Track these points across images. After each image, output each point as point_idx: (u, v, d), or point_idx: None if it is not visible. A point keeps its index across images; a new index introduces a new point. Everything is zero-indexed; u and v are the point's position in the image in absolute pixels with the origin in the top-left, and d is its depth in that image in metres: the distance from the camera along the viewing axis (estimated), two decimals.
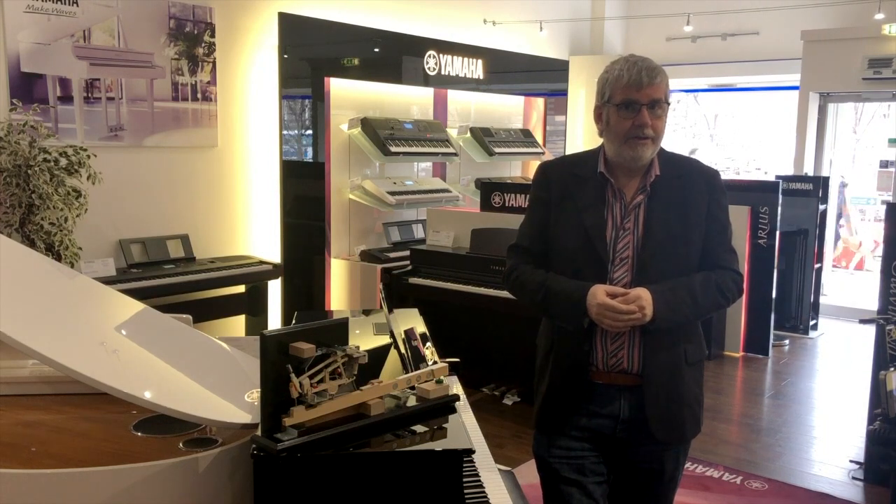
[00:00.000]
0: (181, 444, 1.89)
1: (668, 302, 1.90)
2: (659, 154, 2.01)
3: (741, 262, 5.82)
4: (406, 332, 2.36)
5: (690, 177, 2.02)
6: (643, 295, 1.88)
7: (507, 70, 7.33)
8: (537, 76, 7.87)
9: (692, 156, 2.20)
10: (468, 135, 6.72)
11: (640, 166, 1.98)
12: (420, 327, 2.49)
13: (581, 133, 8.22)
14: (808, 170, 7.42)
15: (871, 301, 5.39)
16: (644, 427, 1.98)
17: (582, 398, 2.02)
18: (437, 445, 1.72)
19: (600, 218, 1.98)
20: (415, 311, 2.76)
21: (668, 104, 1.97)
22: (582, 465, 2.03)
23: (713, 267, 2.01)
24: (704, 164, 2.08)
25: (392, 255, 5.54)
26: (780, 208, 6.02)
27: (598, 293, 1.89)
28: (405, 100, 6.36)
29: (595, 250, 1.96)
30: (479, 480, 1.87)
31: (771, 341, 6.12)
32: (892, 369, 3.64)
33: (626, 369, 1.98)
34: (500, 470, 2.04)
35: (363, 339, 2.40)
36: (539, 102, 7.77)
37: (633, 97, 1.92)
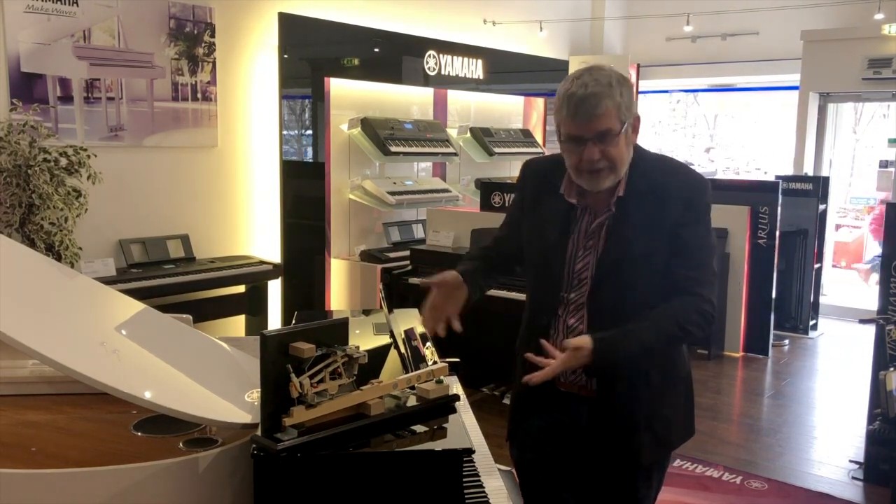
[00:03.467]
0: (181, 444, 1.89)
1: (611, 348, 1.77)
2: (633, 166, 1.86)
3: (741, 262, 5.90)
4: (406, 332, 2.36)
5: (665, 191, 1.84)
6: (576, 350, 1.75)
7: (507, 70, 7.33)
8: (537, 76, 7.87)
9: (700, 157, 2.10)
10: (468, 135, 6.72)
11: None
12: (420, 327, 2.49)
13: None
14: (808, 170, 7.42)
15: (871, 301, 5.39)
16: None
17: (546, 404, 1.99)
18: (437, 445, 1.72)
19: (563, 233, 1.91)
20: (415, 311, 2.75)
21: (627, 122, 1.79)
22: (554, 470, 2.01)
23: (677, 288, 1.83)
24: (691, 176, 1.90)
25: (392, 255, 5.54)
26: (780, 208, 6.02)
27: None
28: (405, 100, 6.36)
29: (550, 266, 1.91)
30: (479, 480, 1.87)
31: (771, 341, 6.11)
32: (892, 369, 3.64)
33: (585, 385, 1.94)
34: (500, 470, 2.04)
35: (363, 339, 2.41)
36: (539, 102, 7.77)
37: (575, 133, 1.77)
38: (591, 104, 1.74)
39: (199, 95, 5.07)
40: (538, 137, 7.56)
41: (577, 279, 1.91)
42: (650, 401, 1.92)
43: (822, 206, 6.76)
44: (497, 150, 6.74)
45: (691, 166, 2.02)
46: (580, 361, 1.77)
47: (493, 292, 4.46)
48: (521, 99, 7.63)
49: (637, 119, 1.85)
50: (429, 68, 6.40)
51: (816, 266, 6.77)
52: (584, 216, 1.91)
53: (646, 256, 1.84)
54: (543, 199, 1.96)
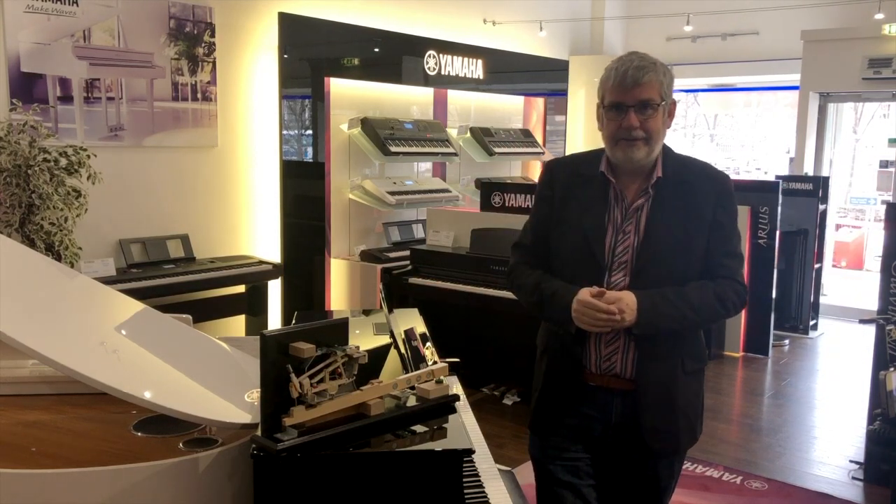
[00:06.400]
0: (181, 444, 1.89)
1: (656, 307, 1.86)
2: (665, 155, 1.97)
3: None
4: (406, 332, 2.36)
5: (697, 181, 1.96)
6: (625, 297, 1.84)
7: (507, 70, 7.33)
8: (537, 76, 7.86)
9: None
10: (468, 135, 6.72)
11: (639, 167, 1.94)
12: (420, 327, 2.49)
13: (581, 133, 8.22)
14: (808, 170, 7.42)
15: (871, 301, 5.39)
16: (636, 434, 1.95)
17: (574, 400, 2.00)
18: (437, 445, 1.72)
19: (600, 220, 1.95)
20: (415, 311, 2.76)
21: (666, 102, 1.90)
22: (576, 466, 2.01)
23: (714, 275, 1.95)
24: (714, 169, 2.03)
25: (392, 255, 5.54)
26: (780, 208, 6.02)
27: (583, 293, 1.86)
28: (405, 100, 6.36)
29: (592, 253, 1.94)
30: (479, 480, 1.87)
31: (771, 341, 6.11)
32: (892, 369, 3.64)
33: (619, 374, 1.95)
34: (500, 470, 2.04)
35: (363, 339, 2.40)
36: (539, 102, 7.77)
37: (619, 99, 1.88)
38: (637, 74, 1.86)
39: (199, 95, 5.07)
40: (538, 137, 7.56)
41: (618, 263, 1.94)
42: (685, 387, 1.97)
43: (822, 206, 6.76)
44: (497, 150, 6.74)
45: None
46: (624, 316, 1.83)
47: (493, 293, 4.50)
48: (521, 99, 7.63)
49: (674, 105, 1.96)
50: (429, 68, 6.40)
51: (816, 266, 6.77)
52: (617, 202, 1.97)
53: (685, 242, 1.93)
54: (576, 190, 2.01)
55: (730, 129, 10.46)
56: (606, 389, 1.97)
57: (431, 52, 6.40)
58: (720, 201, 1.97)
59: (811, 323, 6.77)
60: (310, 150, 5.85)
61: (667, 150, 1.99)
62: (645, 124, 1.88)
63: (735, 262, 1.98)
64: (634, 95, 1.86)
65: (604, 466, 2.04)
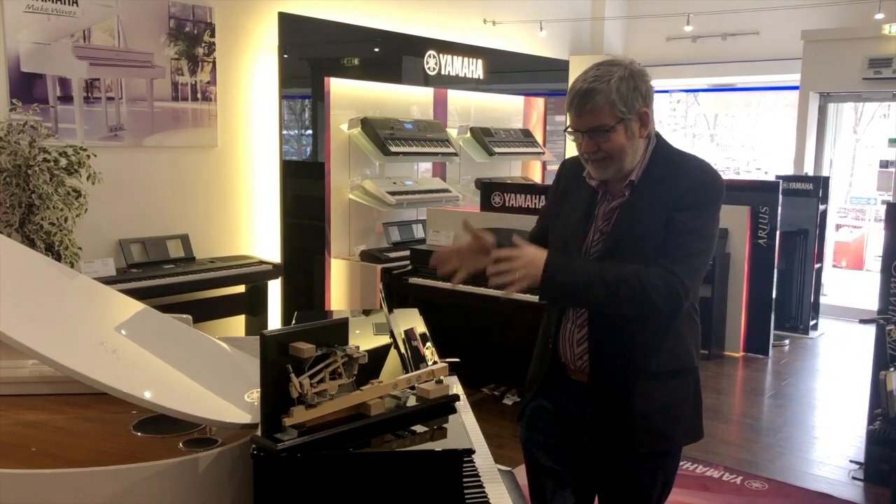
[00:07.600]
0: (181, 444, 1.89)
1: (564, 268, 1.83)
2: (656, 154, 1.94)
3: (741, 262, 5.89)
4: (406, 332, 2.36)
5: (675, 178, 1.89)
6: (528, 253, 1.82)
7: (507, 70, 7.33)
8: (537, 76, 7.87)
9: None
10: (468, 135, 6.73)
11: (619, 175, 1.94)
12: (420, 327, 2.49)
13: None
14: (808, 170, 7.42)
15: (871, 301, 5.39)
16: (605, 433, 1.97)
17: (557, 390, 2.05)
18: (437, 445, 1.72)
19: (584, 219, 1.99)
20: (415, 311, 2.75)
21: (626, 118, 1.84)
22: (559, 453, 2.05)
23: (652, 264, 1.84)
24: (704, 170, 1.92)
25: (392, 255, 5.55)
26: (780, 208, 6.02)
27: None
28: (405, 100, 6.36)
29: (568, 249, 1.98)
30: (479, 480, 1.87)
31: (771, 341, 6.11)
32: (892, 369, 3.64)
33: (589, 372, 1.98)
34: (500, 470, 2.04)
35: (363, 339, 2.40)
36: (539, 102, 7.77)
37: (572, 125, 1.89)
38: (582, 101, 1.84)
39: (199, 95, 5.07)
40: (538, 137, 7.56)
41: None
42: (649, 389, 1.93)
43: (822, 206, 6.75)
44: (497, 150, 6.74)
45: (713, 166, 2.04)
46: (531, 271, 1.81)
47: (493, 293, 4.49)
48: (521, 99, 7.63)
49: (644, 114, 1.89)
50: (429, 68, 6.40)
51: (817, 266, 6.77)
52: (603, 202, 1.99)
53: (645, 236, 1.88)
54: (572, 190, 2.05)
55: (730, 129, 10.46)
56: (584, 385, 2.00)
57: (431, 52, 6.40)
58: (687, 199, 1.86)
59: (811, 323, 6.77)
60: (310, 150, 5.85)
61: (659, 149, 1.94)
62: (602, 146, 1.86)
63: (680, 254, 1.84)
64: (583, 123, 1.85)
65: (586, 462, 2.05)
